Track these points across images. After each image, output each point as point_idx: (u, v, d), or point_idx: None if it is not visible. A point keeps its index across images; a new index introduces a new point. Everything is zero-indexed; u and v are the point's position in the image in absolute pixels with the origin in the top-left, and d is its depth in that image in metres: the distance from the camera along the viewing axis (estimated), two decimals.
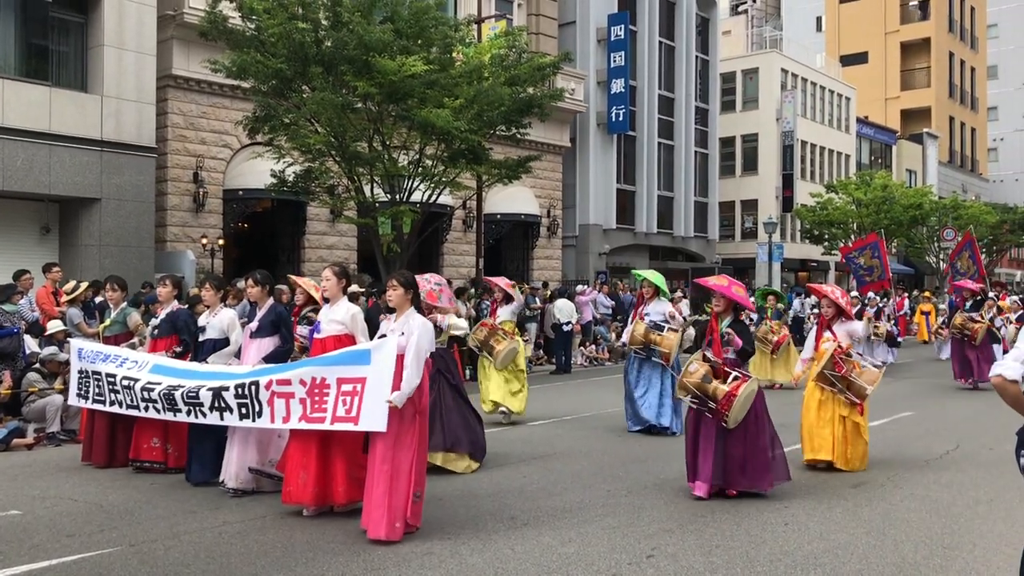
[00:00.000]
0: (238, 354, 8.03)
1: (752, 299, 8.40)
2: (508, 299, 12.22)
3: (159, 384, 7.63)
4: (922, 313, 23.90)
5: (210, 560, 5.72)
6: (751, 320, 9.78)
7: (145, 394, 7.73)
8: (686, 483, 7.65)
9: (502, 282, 12.32)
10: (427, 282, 8.61)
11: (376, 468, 6.12)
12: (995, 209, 44.88)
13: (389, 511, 6.03)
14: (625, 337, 11.48)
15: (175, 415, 7.56)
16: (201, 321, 8.33)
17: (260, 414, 6.86)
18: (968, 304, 16.96)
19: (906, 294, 31.36)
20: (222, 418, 7.18)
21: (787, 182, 41.27)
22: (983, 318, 16.51)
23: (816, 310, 20.59)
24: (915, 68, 56.74)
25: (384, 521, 6.02)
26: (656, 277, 11.26)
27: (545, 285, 23.93)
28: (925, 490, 7.84)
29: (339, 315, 7.16)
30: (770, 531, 6.44)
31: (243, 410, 6.97)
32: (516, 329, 12.27)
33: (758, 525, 6.59)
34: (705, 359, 7.56)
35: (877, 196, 37.23)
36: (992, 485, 8.04)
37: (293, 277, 9.31)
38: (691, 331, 11.92)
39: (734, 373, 7.40)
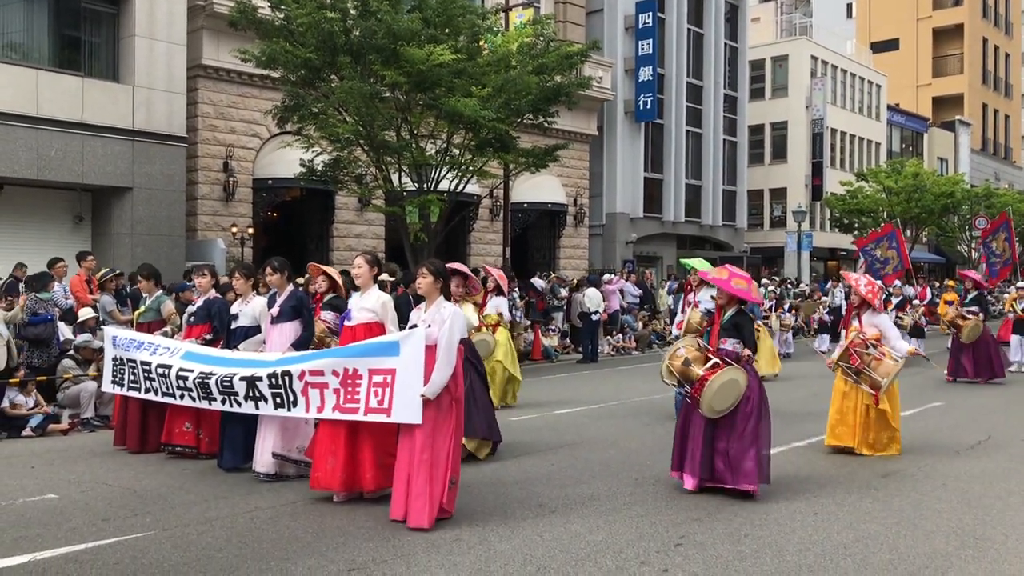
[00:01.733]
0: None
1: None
2: (500, 291, 12.25)
3: (192, 372, 7.72)
4: (946, 303, 23.53)
5: (242, 545, 5.80)
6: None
7: (180, 382, 7.81)
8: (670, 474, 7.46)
9: (496, 273, 12.32)
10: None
11: (417, 457, 6.13)
12: None
13: (431, 499, 6.07)
14: (679, 327, 11.44)
15: (210, 403, 7.64)
16: (233, 309, 8.41)
17: (295, 403, 6.93)
18: (969, 297, 16.10)
19: (926, 284, 31.00)
20: (257, 407, 7.24)
21: (817, 170, 40.89)
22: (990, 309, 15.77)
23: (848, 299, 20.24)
24: (947, 54, 55.93)
25: (427, 510, 6.05)
26: (703, 266, 11.22)
27: (606, 272, 24.00)
28: (956, 481, 7.77)
29: (370, 303, 7.19)
30: (799, 520, 6.42)
31: (278, 399, 7.03)
32: (503, 323, 12.26)
33: (787, 514, 6.57)
34: (698, 347, 7.34)
35: (908, 184, 36.83)
36: None
37: (314, 265, 9.30)
38: None
39: (714, 360, 7.09)
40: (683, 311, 11.51)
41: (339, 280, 8.96)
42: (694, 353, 7.22)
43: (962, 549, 5.81)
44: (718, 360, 7.05)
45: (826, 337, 22.11)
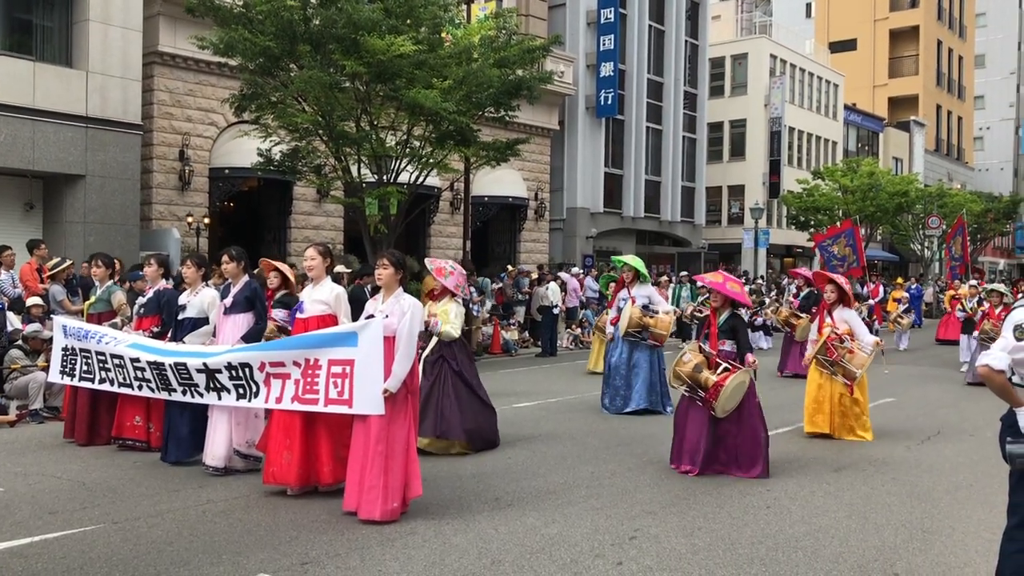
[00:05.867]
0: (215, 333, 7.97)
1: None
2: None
3: (140, 361, 7.57)
4: (895, 300, 24.04)
5: (193, 538, 5.71)
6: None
7: (139, 373, 7.64)
8: (669, 465, 7.98)
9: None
10: (444, 260, 8.75)
11: (371, 449, 6.08)
12: (980, 198, 45.18)
13: (385, 491, 6.02)
14: (614, 322, 11.51)
15: (170, 394, 7.46)
16: (182, 300, 8.20)
17: (257, 394, 6.82)
18: (802, 294, 16.21)
19: (879, 282, 31.58)
20: (220, 398, 7.10)
21: (774, 168, 41.34)
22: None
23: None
24: (903, 56, 56.82)
25: (379, 502, 6.01)
26: (635, 261, 11.48)
27: (564, 266, 23.94)
28: (906, 474, 7.91)
29: (323, 295, 7.10)
30: (752, 514, 6.48)
31: (240, 390, 6.91)
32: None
33: (740, 508, 6.64)
34: (700, 350, 7.81)
35: (863, 183, 37.35)
36: (972, 471, 8.12)
37: (266, 260, 9.13)
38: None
39: (724, 364, 7.65)
40: (616, 307, 11.63)
41: (291, 276, 8.84)
42: (700, 357, 7.73)
43: (910, 542, 5.90)
44: (727, 365, 7.63)
45: (760, 334, 22.10)
